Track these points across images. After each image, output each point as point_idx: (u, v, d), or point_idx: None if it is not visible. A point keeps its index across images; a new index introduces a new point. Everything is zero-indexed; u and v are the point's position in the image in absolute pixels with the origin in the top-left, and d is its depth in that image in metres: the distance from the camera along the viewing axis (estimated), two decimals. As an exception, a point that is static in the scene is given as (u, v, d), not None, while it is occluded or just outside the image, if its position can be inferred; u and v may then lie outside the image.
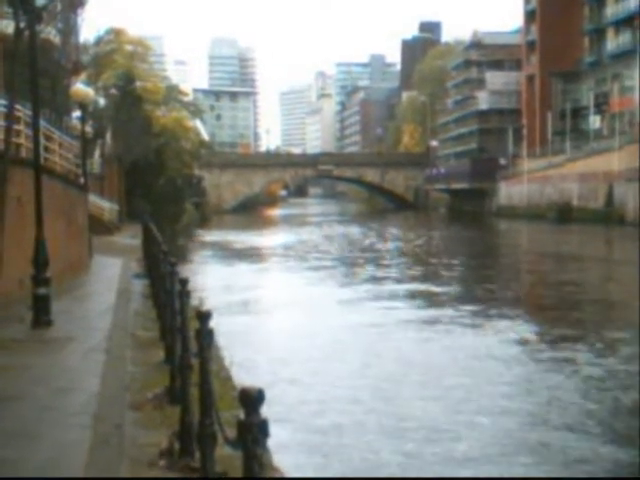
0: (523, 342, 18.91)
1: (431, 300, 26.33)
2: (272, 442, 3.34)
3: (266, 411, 3.16)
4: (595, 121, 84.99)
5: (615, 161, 67.16)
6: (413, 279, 33.08)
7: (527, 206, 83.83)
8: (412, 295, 27.83)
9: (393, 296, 27.02)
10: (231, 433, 3.44)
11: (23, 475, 6.28)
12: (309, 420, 12.58)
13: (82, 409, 8.10)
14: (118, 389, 9.09)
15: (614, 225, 61.54)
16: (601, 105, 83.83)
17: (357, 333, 20.06)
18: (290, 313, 24.01)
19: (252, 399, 3.19)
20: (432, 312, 23.66)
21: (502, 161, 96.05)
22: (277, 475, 6.59)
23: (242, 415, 3.19)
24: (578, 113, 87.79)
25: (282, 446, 9.52)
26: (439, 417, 12.75)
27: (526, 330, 20.68)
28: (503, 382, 14.92)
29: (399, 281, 31.88)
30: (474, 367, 16.17)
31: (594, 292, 29.34)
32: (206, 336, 5.47)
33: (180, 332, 7.45)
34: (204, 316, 5.53)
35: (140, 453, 6.79)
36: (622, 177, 65.10)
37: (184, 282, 7.65)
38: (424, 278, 32.97)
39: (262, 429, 3.19)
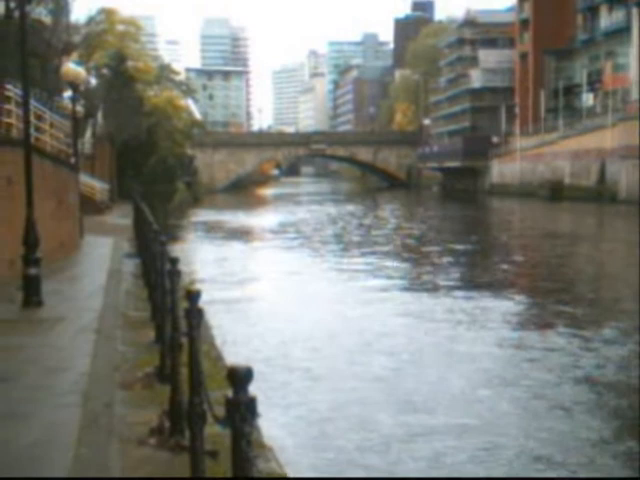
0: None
1: (425, 284, 26.23)
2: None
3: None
4: (588, 99, 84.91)
5: (608, 139, 67.16)
6: (408, 260, 33.07)
7: (519, 184, 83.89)
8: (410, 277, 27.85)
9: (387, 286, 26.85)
10: (221, 412, 3.43)
11: (14, 454, 6.27)
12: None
13: (72, 388, 8.10)
14: (108, 368, 9.09)
15: (606, 203, 61.63)
16: (594, 83, 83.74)
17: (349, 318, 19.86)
18: (281, 296, 23.68)
19: (240, 377, 3.18)
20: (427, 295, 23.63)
21: (495, 139, 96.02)
22: (276, 475, 6.57)
23: (230, 394, 3.18)
24: (571, 91, 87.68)
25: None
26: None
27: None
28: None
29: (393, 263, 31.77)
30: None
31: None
32: (195, 315, 5.45)
33: (170, 311, 7.44)
34: (193, 295, 5.51)
35: (130, 431, 6.80)
36: (615, 155, 65.14)
37: (174, 261, 7.63)
38: (420, 262, 32.85)
39: (250, 407, 3.18)
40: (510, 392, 12.78)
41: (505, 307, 20.46)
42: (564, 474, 9.62)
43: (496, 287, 24.24)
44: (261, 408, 3.35)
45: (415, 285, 24.99)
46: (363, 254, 33.51)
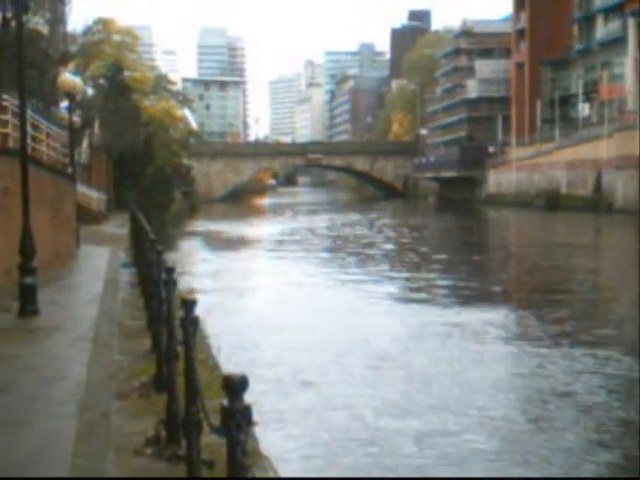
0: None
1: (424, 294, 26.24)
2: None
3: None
4: (584, 109, 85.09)
5: (604, 149, 67.26)
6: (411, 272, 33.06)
7: (516, 194, 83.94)
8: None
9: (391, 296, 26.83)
10: (217, 421, 3.43)
11: (10, 463, 6.25)
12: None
13: (69, 398, 8.08)
14: (105, 378, 9.07)
15: (602, 213, 61.63)
16: (590, 93, 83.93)
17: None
18: (279, 309, 23.42)
19: (235, 385, 3.18)
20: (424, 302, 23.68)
21: (491, 149, 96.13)
22: (272, 475, 6.56)
23: (226, 402, 3.18)
24: (567, 101, 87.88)
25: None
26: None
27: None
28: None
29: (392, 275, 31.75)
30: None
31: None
32: (191, 324, 5.45)
33: (166, 320, 7.43)
34: (189, 304, 5.51)
35: (126, 441, 6.78)
36: (611, 165, 65.23)
37: (170, 270, 7.63)
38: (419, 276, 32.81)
39: (245, 415, 3.18)
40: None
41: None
42: None
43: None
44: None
45: (410, 296, 25.02)
46: (362, 264, 33.51)
